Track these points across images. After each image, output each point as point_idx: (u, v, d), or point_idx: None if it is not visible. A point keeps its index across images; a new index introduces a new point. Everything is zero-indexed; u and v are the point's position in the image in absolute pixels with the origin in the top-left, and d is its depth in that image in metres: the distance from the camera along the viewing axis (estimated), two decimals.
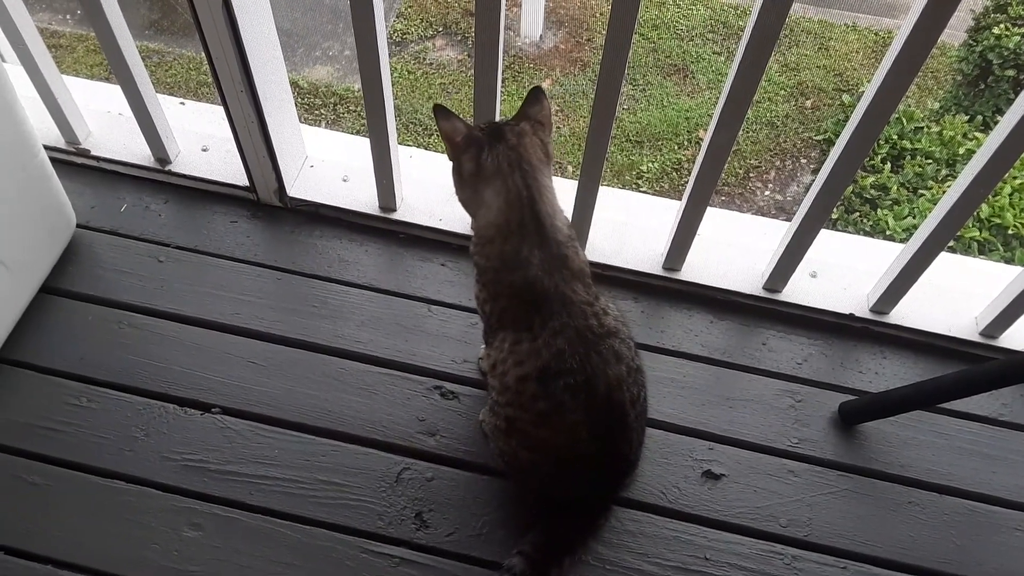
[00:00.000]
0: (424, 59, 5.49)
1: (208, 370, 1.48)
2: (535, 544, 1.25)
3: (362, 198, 1.70)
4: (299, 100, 5.11)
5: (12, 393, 1.44)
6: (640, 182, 4.88)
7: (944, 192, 1.41)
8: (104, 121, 1.75)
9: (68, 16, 5.55)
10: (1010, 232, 3.47)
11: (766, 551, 1.34)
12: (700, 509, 1.37)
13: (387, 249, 1.69)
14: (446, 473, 1.40)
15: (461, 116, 1.25)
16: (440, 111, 1.25)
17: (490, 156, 1.21)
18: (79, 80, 1.84)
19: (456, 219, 1.68)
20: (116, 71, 1.53)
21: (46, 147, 1.53)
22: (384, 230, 1.70)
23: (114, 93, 1.70)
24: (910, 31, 1.12)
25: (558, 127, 5.14)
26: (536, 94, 1.27)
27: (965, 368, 1.38)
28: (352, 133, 5.18)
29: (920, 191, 3.74)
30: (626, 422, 1.19)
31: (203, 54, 1.44)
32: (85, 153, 1.71)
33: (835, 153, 1.34)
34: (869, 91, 1.22)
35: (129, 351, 1.49)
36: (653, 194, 4.77)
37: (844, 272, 1.63)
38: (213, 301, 1.57)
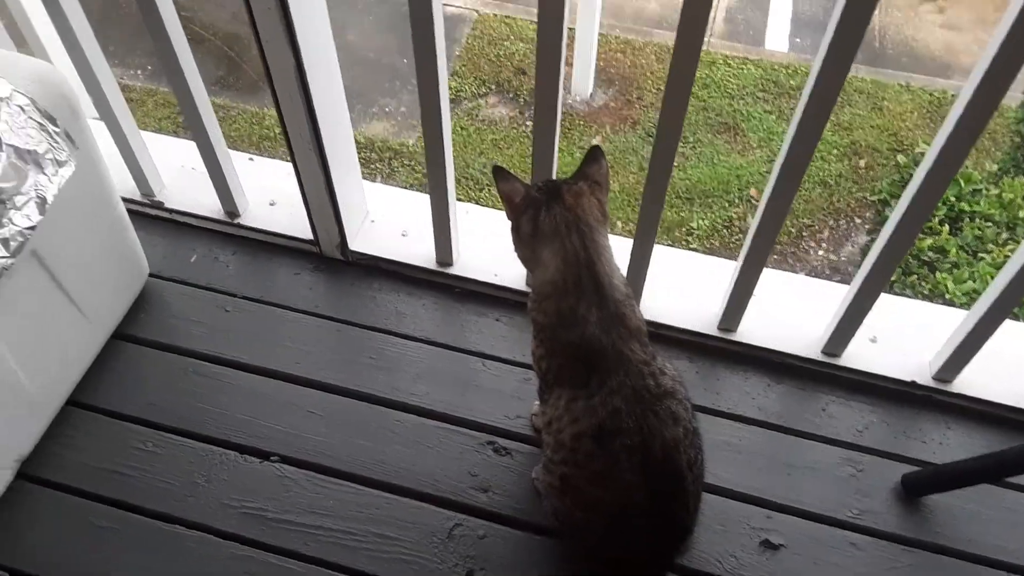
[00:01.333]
0: (477, 116, 5.62)
1: (268, 418, 1.51)
2: None
3: (420, 252, 1.74)
4: (357, 154, 5.26)
5: (83, 436, 1.49)
6: (690, 239, 4.87)
7: (1006, 256, 1.39)
8: (178, 175, 1.83)
9: (139, 72, 5.83)
10: None
11: None
12: None
13: (443, 303, 1.72)
14: (498, 531, 1.40)
15: (517, 175, 1.28)
16: (499, 172, 1.27)
17: (548, 217, 1.22)
18: (155, 135, 1.93)
19: (511, 275, 1.71)
20: (192, 127, 1.61)
21: (123, 199, 1.61)
22: (441, 284, 1.73)
23: (188, 148, 1.79)
24: (972, 93, 1.11)
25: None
26: (595, 154, 1.28)
27: None
28: (406, 186, 5.30)
29: (980, 254, 3.66)
30: (683, 485, 1.18)
31: (269, 111, 1.50)
32: (159, 205, 1.79)
33: (895, 216, 1.33)
34: (930, 154, 1.22)
35: (195, 398, 1.54)
36: (704, 251, 4.76)
37: (905, 338, 1.60)
38: (275, 351, 1.61)
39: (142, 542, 1.37)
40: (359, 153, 5.50)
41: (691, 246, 4.80)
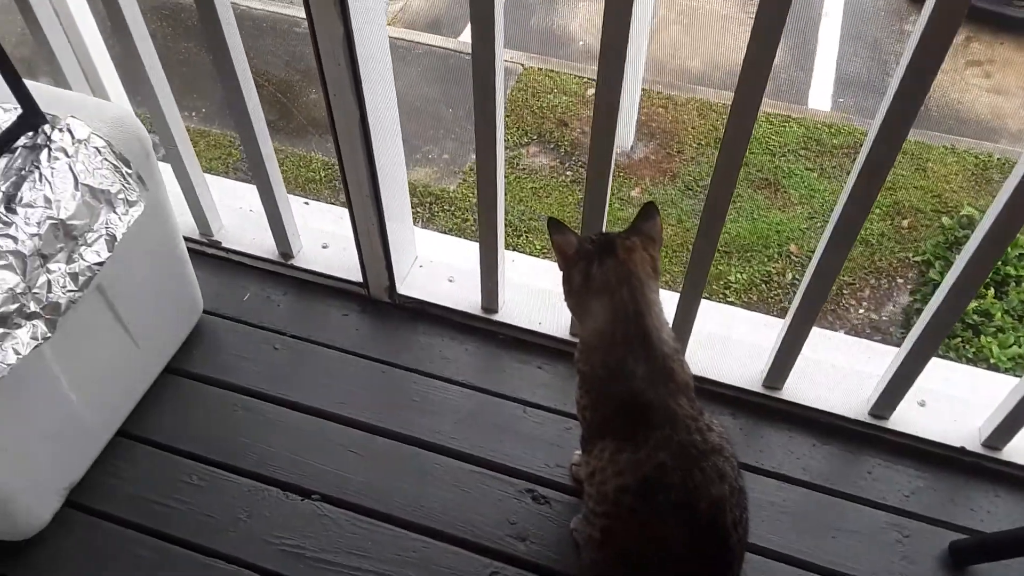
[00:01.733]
0: (518, 164, 5.70)
1: (311, 456, 1.53)
2: None
3: (466, 298, 1.77)
4: None
5: (131, 466, 1.52)
6: (728, 292, 4.85)
7: None
8: (236, 216, 1.90)
9: (193, 113, 6.05)
10: None
11: None
12: None
13: (486, 349, 1.74)
14: None
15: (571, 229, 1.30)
16: (554, 224, 1.30)
17: (599, 270, 1.23)
18: (215, 178, 2.00)
19: (554, 323, 1.72)
20: (254, 171, 1.68)
21: (184, 238, 1.67)
22: (485, 330, 1.76)
23: (246, 190, 1.85)
24: None
25: None
26: (649, 210, 1.30)
27: None
28: (445, 230, 5.37)
29: None
30: (727, 544, 1.16)
31: (316, 155, 1.56)
32: (217, 244, 1.85)
33: (948, 280, 1.32)
34: (988, 217, 1.21)
35: (240, 433, 1.57)
36: (741, 305, 4.73)
37: (954, 402, 1.58)
38: (321, 390, 1.64)
39: (181, 574, 1.38)
40: None
41: (728, 299, 4.77)
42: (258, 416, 1.60)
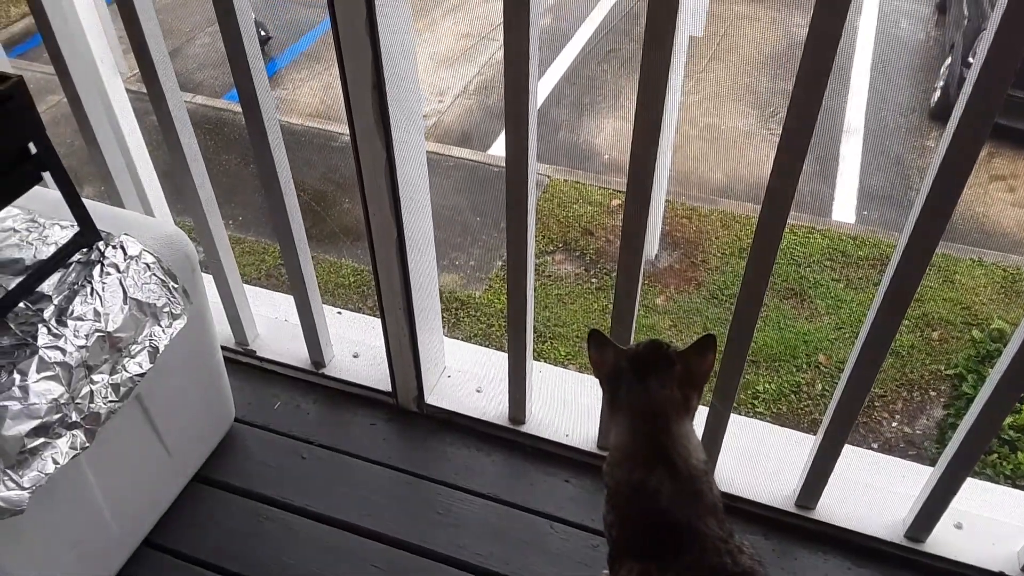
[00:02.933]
0: (544, 271, 5.80)
1: (332, 570, 1.51)
2: None
3: (493, 409, 1.77)
4: None
5: None
6: (756, 402, 4.78)
7: None
8: (272, 326, 1.95)
9: (230, 222, 6.28)
10: None
11: None
12: None
13: (513, 461, 1.73)
14: None
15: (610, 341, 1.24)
16: (593, 338, 1.24)
17: (627, 396, 1.20)
18: (252, 288, 2.07)
19: (582, 436, 1.72)
20: (292, 283, 1.74)
21: (221, 347, 1.71)
22: (512, 441, 1.75)
23: (282, 300, 1.91)
24: None
25: (671, 342, 5.20)
26: (707, 343, 1.18)
27: None
28: (469, 336, 5.41)
29: None
30: None
31: (346, 261, 1.62)
32: (251, 354, 1.90)
33: (982, 397, 1.31)
34: (1018, 334, 1.21)
35: (264, 544, 1.56)
36: (770, 416, 4.66)
37: (992, 525, 1.53)
38: (346, 501, 1.63)
39: None
40: None
41: (757, 409, 4.70)
42: (282, 526, 1.59)
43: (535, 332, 5.38)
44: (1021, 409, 3.68)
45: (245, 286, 1.94)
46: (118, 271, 1.35)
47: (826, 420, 1.44)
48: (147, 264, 1.38)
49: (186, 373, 1.55)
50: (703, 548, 1.13)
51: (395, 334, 1.67)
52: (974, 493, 1.55)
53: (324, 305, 1.89)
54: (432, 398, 1.80)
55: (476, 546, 1.56)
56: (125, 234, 1.40)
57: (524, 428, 1.75)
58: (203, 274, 1.81)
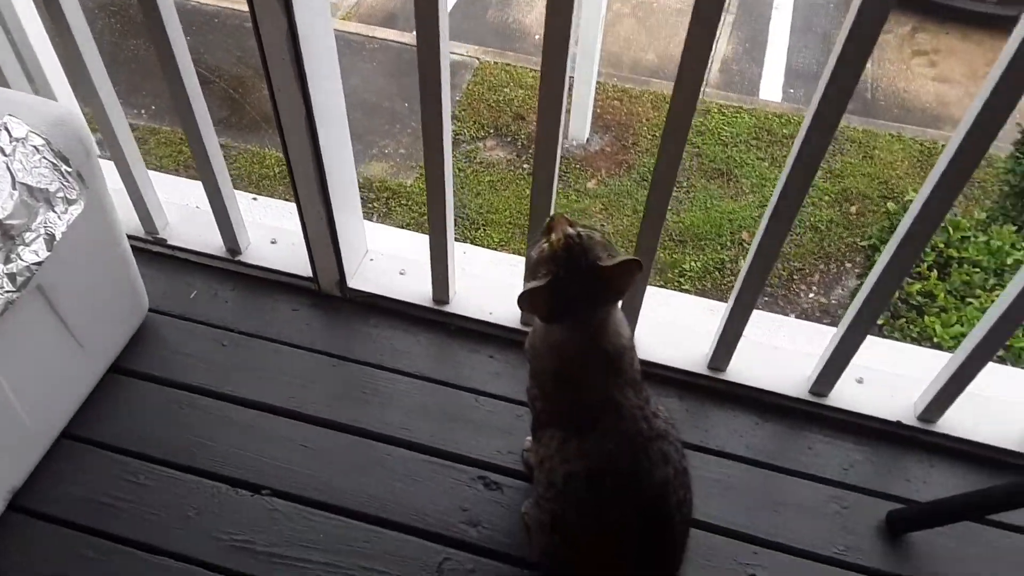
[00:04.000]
0: (475, 158, 5.71)
1: (261, 452, 1.53)
2: None
3: (417, 290, 1.77)
4: None
5: (75, 468, 1.50)
6: (683, 280, 4.92)
7: (993, 301, 1.42)
8: (182, 213, 1.88)
9: (143, 111, 5.93)
10: None
11: None
12: None
13: (438, 340, 1.75)
14: (487, 566, 1.40)
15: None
16: (523, 299, 1.15)
17: (564, 313, 1.16)
18: (160, 175, 1.98)
19: (506, 313, 1.74)
20: (199, 167, 1.66)
21: (127, 236, 1.64)
22: (436, 322, 1.77)
23: (192, 187, 1.83)
24: (959, 143, 1.16)
25: (603, 224, 5.26)
26: (632, 268, 1.13)
27: (1015, 480, 1.35)
28: (402, 225, 5.35)
29: (968, 299, 3.70)
30: (671, 524, 1.20)
31: (269, 151, 1.56)
32: (162, 242, 1.83)
33: (882, 260, 1.37)
34: (918, 200, 1.26)
35: (188, 431, 1.55)
36: (696, 292, 4.81)
37: (891, 379, 1.63)
38: (271, 385, 1.63)
39: (130, 574, 1.37)
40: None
41: (683, 287, 4.85)
42: (206, 413, 1.58)
43: (468, 220, 5.36)
44: (929, 276, 3.87)
45: (154, 173, 1.85)
46: (3, 155, 1.27)
47: (737, 286, 1.49)
48: (35, 147, 1.29)
49: (90, 262, 1.49)
50: (621, 416, 1.18)
51: (312, 218, 1.63)
52: (875, 350, 1.64)
53: (238, 191, 1.82)
54: (355, 282, 1.78)
55: (403, 422, 1.59)
56: (9, 115, 1.30)
57: (448, 308, 1.76)
58: (104, 160, 1.72)
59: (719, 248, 5.05)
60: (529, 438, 1.50)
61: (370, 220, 1.80)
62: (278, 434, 1.56)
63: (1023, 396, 1.61)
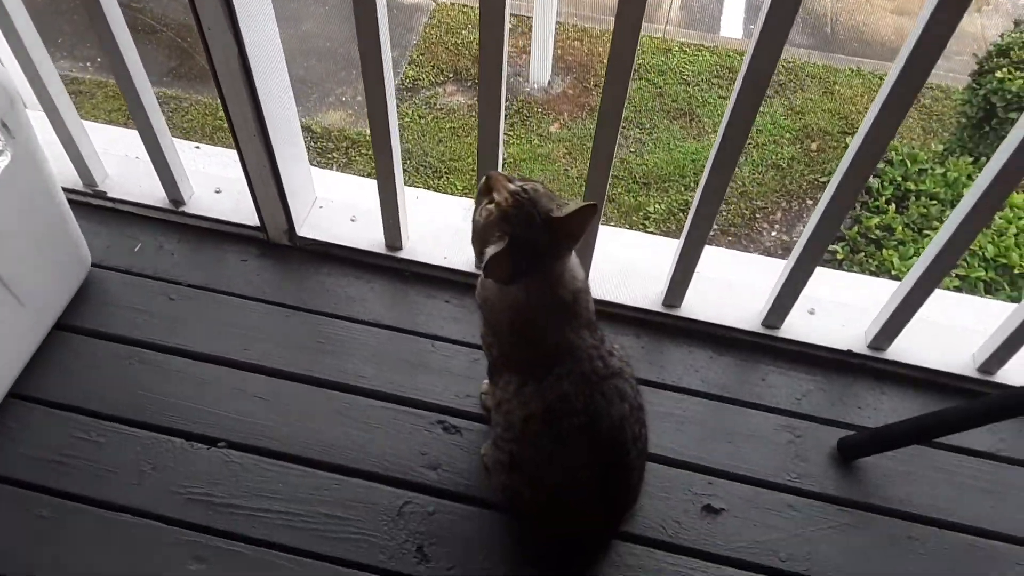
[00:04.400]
0: (435, 104, 5.60)
1: (215, 405, 1.51)
2: None
3: (369, 237, 1.74)
4: (312, 144, 5.23)
5: (23, 428, 1.47)
6: (647, 223, 4.93)
7: None
8: (121, 164, 1.81)
9: (88, 64, 5.72)
10: (1016, 272, 3.47)
11: None
12: (699, 543, 1.38)
13: (392, 286, 1.73)
14: (447, 507, 1.41)
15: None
16: (489, 267, 1.11)
17: (525, 269, 1.13)
18: (98, 125, 1.91)
19: (460, 258, 1.72)
20: (134, 116, 1.60)
21: (65, 189, 1.59)
22: (390, 268, 1.74)
23: (131, 137, 1.77)
24: (899, 72, 1.15)
25: (566, 169, 5.22)
26: (587, 214, 1.12)
27: (961, 403, 1.38)
28: (364, 175, 5.29)
29: (925, 232, 3.76)
30: (627, 460, 1.21)
31: (219, 101, 1.50)
32: (102, 195, 1.77)
33: (829, 191, 1.37)
34: (861, 130, 1.26)
35: (138, 386, 1.53)
36: (660, 234, 4.82)
37: (842, 309, 1.65)
38: (222, 338, 1.60)
39: (87, 531, 1.36)
40: (315, 143, 5.47)
41: (648, 230, 4.86)
42: (156, 368, 1.56)
43: (430, 168, 5.28)
44: (887, 210, 3.92)
45: (90, 123, 1.78)
46: None
47: (688, 221, 1.48)
48: None
49: (25, 217, 1.44)
50: (577, 358, 1.18)
51: (254, 164, 1.58)
52: (827, 282, 1.66)
53: (181, 140, 1.76)
54: (304, 230, 1.74)
55: (360, 370, 1.58)
56: None
57: (402, 254, 1.74)
58: (36, 112, 1.65)
59: (683, 189, 5.05)
60: (486, 381, 1.50)
61: (330, 170, 1.75)
62: (232, 386, 1.54)
63: (971, 322, 1.64)
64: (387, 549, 1.36)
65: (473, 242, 1.21)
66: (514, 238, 1.09)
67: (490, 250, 1.09)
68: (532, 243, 1.11)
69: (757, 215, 4.92)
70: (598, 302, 1.63)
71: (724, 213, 4.92)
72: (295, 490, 1.42)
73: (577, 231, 1.13)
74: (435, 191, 4.97)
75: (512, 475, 1.27)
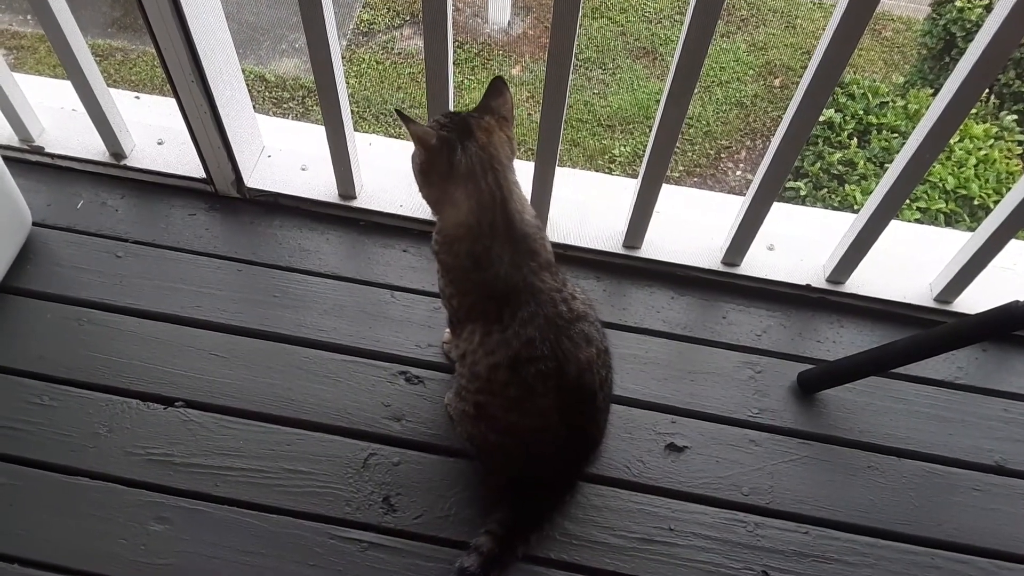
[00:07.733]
0: (392, 49, 5.46)
1: (170, 364, 1.48)
2: (502, 522, 1.26)
3: (321, 186, 1.70)
4: (267, 94, 5.07)
5: None
6: (612, 166, 4.89)
7: None
8: (58, 118, 1.73)
9: (29, 17, 5.46)
10: (976, 203, 3.51)
11: (729, 520, 1.36)
12: (664, 481, 1.39)
13: (348, 237, 1.69)
14: (412, 457, 1.41)
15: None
16: (403, 116, 1.19)
17: (463, 157, 1.16)
18: (31, 77, 1.82)
19: (417, 205, 1.68)
20: (66, 66, 1.52)
21: None
22: (344, 218, 1.70)
23: (68, 89, 1.68)
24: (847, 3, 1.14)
25: (529, 113, 5.14)
26: (498, 86, 1.23)
27: (916, 333, 1.40)
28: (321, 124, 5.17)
29: (887, 165, 3.78)
30: (595, 404, 1.21)
31: (152, 45, 1.43)
32: (39, 151, 1.70)
33: (783, 126, 1.36)
34: (813, 61, 1.24)
35: (89, 348, 1.49)
36: (624, 176, 4.79)
37: (800, 244, 1.65)
38: (173, 295, 1.56)
39: (44, 496, 1.34)
40: (270, 92, 5.31)
41: (614, 173, 4.83)
42: (106, 328, 1.51)
43: (391, 116, 5.16)
44: (850, 145, 3.93)
45: (22, 76, 1.70)
46: None
47: (645, 158, 1.46)
48: None
49: None
50: (539, 302, 1.17)
51: (194, 113, 1.51)
52: (785, 217, 1.65)
53: (119, 90, 1.68)
54: (253, 181, 1.69)
55: (319, 323, 1.55)
56: None
57: (356, 203, 1.69)
58: None
59: (647, 131, 5.00)
60: (448, 331, 1.48)
61: (286, 119, 1.69)
62: (186, 344, 1.50)
63: (928, 253, 1.65)
64: (353, 501, 1.35)
65: (419, 185, 1.24)
66: (446, 129, 1.18)
67: (419, 127, 1.16)
68: (463, 129, 1.18)
69: (722, 154, 4.91)
70: (557, 244, 1.62)
71: (689, 154, 4.90)
72: (257, 446, 1.40)
73: (500, 108, 1.22)
74: (398, 139, 4.88)
75: (478, 424, 1.26)
